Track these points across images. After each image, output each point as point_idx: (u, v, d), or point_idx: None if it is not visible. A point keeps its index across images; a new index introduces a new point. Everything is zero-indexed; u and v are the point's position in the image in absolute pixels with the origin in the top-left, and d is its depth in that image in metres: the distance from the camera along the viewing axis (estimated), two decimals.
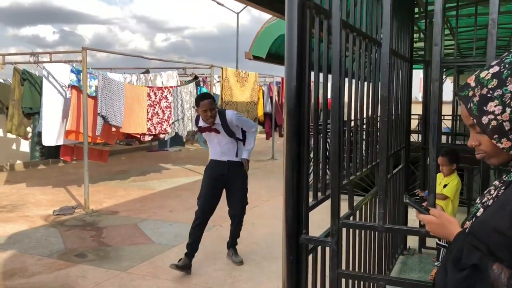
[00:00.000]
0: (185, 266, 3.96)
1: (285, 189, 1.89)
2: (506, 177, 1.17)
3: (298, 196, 1.89)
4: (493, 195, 1.17)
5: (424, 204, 1.57)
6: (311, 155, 2.53)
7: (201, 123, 4.15)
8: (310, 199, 2.03)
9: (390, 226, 2.37)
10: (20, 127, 7.00)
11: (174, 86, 8.31)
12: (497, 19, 1.58)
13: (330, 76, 1.98)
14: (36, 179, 8.54)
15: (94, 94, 6.65)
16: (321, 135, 2.09)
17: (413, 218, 5.22)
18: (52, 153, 7.17)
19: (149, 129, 7.63)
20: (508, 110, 1.07)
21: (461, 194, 4.12)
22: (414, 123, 7.12)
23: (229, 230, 4.37)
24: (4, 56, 7.27)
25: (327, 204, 2.12)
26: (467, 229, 1.18)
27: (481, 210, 1.17)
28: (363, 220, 2.83)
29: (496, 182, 1.20)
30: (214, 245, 4.71)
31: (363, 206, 2.87)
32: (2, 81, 8.16)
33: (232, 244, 4.38)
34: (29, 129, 7.10)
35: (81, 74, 6.29)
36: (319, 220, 2.32)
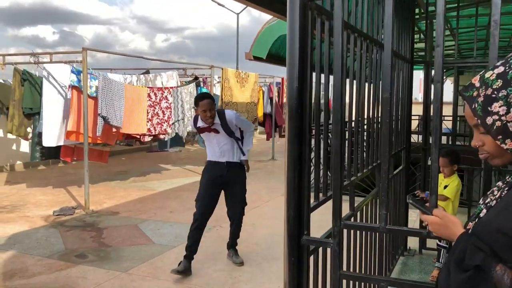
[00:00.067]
0: (185, 270, 3.95)
1: (286, 189, 1.89)
2: (510, 178, 1.16)
3: (300, 197, 1.89)
4: (497, 196, 1.16)
5: (426, 205, 1.56)
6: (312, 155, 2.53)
7: (200, 123, 4.14)
8: (311, 200, 2.03)
9: (392, 228, 2.37)
10: (21, 127, 7.00)
11: (174, 87, 8.32)
12: (500, 20, 1.58)
13: (331, 77, 1.98)
14: (36, 180, 8.54)
15: (94, 94, 6.65)
16: (322, 135, 2.09)
17: (413, 219, 5.22)
18: (52, 153, 7.17)
19: (149, 130, 7.63)
20: None
21: (461, 195, 4.11)
22: (414, 124, 7.13)
23: (229, 230, 4.37)
24: (5, 57, 7.27)
25: (327, 204, 2.12)
26: (470, 230, 1.18)
27: (484, 211, 1.17)
28: (363, 221, 2.83)
29: (500, 183, 1.19)
30: (215, 246, 4.71)
31: (364, 207, 2.87)
32: (2, 81, 8.16)
33: (232, 244, 4.37)
34: (29, 129, 7.10)
35: (82, 74, 6.29)
36: (319, 221, 2.32)
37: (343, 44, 1.95)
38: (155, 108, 7.71)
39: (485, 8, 5.13)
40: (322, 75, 2.05)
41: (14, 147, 9.74)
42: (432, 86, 2.04)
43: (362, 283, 2.67)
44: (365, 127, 2.70)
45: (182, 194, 7.40)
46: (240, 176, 4.22)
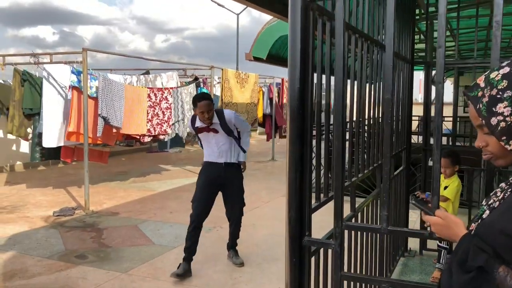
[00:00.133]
0: (185, 272, 3.94)
1: (288, 190, 1.89)
2: None
3: (301, 198, 1.89)
4: (500, 197, 1.16)
5: (428, 205, 1.56)
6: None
7: (198, 123, 4.12)
8: (312, 201, 2.03)
9: (394, 229, 2.36)
10: (21, 128, 7.00)
11: (174, 87, 8.32)
12: (501, 21, 1.58)
13: (332, 78, 1.98)
14: (36, 180, 8.53)
15: (94, 95, 6.64)
16: (324, 136, 2.09)
17: (414, 219, 5.22)
18: (52, 154, 7.16)
19: (149, 130, 7.63)
20: None
21: (461, 195, 4.11)
22: (414, 124, 7.13)
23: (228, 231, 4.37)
24: (4, 57, 7.26)
25: (327, 205, 2.12)
26: (473, 231, 1.18)
27: (487, 212, 1.17)
28: (364, 222, 2.83)
29: (503, 184, 1.19)
30: (214, 247, 4.71)
31: (364, 208, 2.87)
32: (2, 82, 8.16)
33: (232, 245, 4.37)
34: (29, 130, 7.09)
35: (82, 75, 6.29)
36: (320, 221, 2.32)
37: (344, 45, 1.95)
38: (155, 108, 7.71)
39: (485, 9, 5.14)
40: (324, 76, 2.05)
41: (14, 148, 9.74)
42: (433, 87, 2.04)
43: (363, 284, 2.67)
44: (366, 127, 2.70)
45: (182, 194, 7.39)
46: (238, 177, 4.22)
